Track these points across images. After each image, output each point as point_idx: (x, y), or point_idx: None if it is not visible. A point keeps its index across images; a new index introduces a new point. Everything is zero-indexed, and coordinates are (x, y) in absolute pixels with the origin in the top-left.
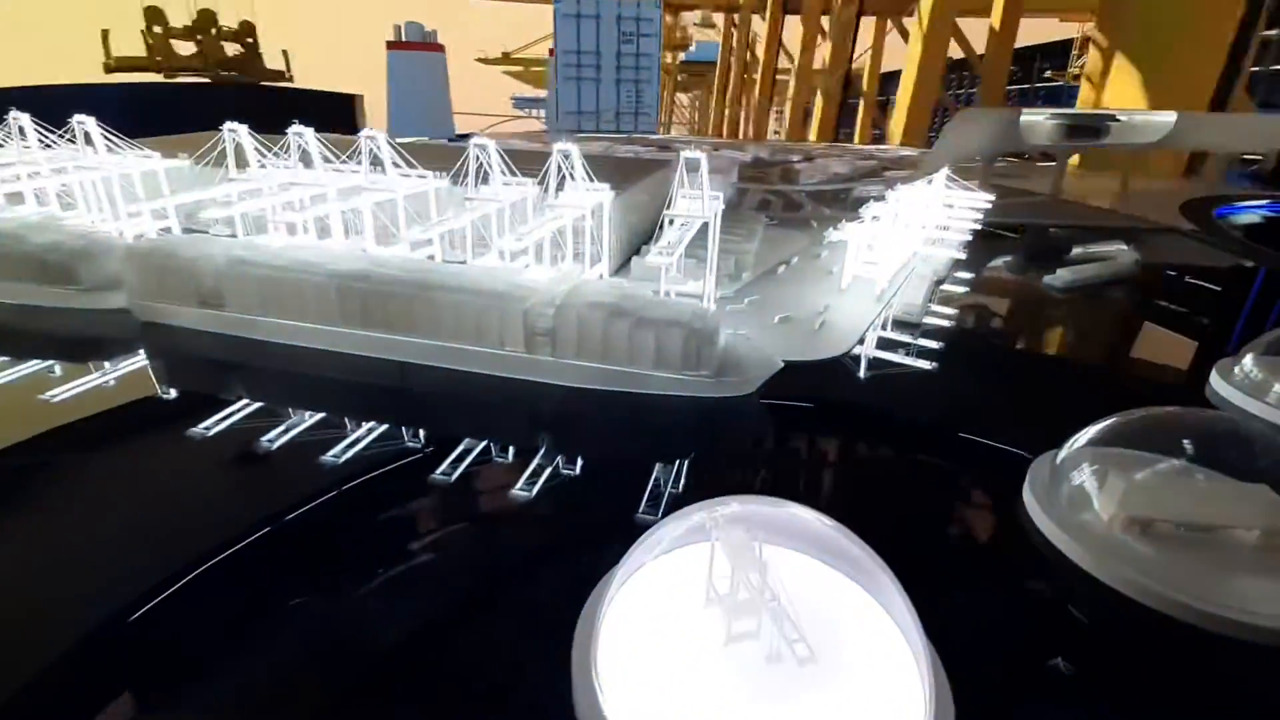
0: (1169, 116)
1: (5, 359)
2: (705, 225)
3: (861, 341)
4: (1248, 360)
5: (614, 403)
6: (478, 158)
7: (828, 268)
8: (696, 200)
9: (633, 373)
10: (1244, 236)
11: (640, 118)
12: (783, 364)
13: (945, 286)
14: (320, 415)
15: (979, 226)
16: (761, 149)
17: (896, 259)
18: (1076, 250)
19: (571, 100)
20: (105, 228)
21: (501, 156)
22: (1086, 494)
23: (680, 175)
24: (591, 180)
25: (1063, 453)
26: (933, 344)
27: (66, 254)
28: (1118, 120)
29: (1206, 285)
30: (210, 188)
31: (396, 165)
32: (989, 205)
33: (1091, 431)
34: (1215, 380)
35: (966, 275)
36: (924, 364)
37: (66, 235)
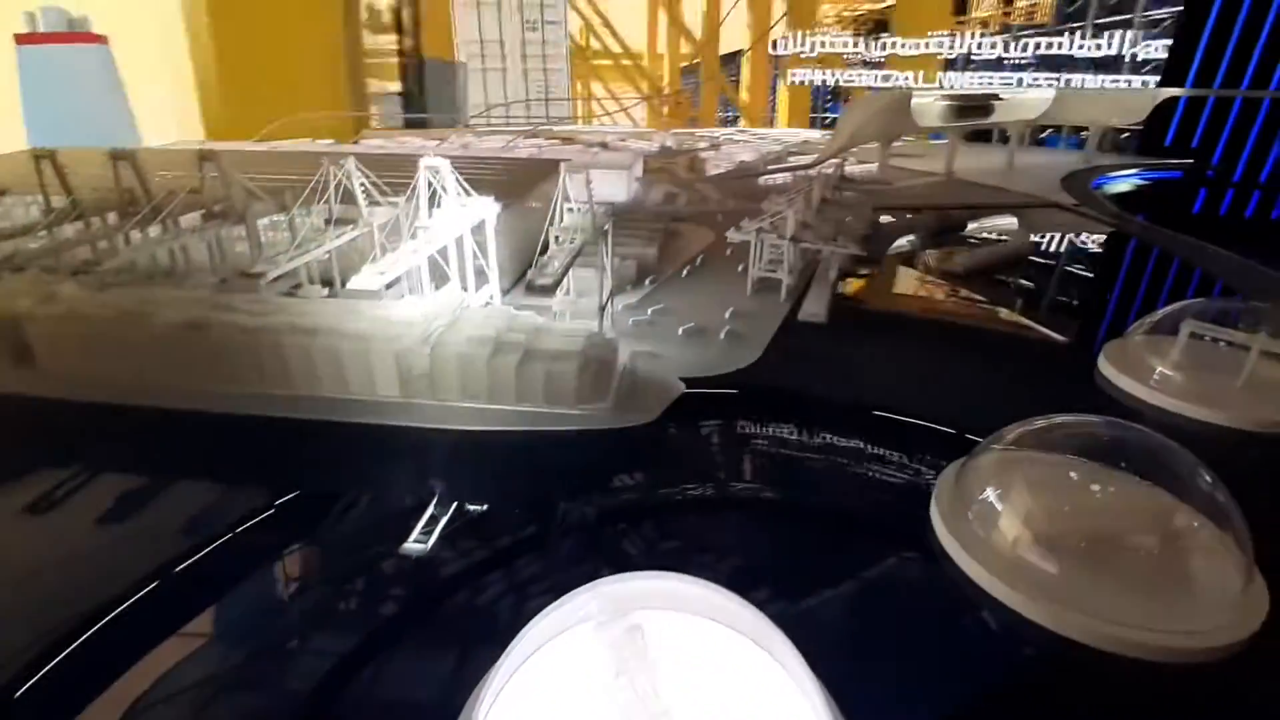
0: (1048, 93)
1: None
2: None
3: (766, 349)
4: (1131, 343)
5: (506, 443)
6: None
7: (735, 265)
8: (584, 214)
9: (524, 411)
10: (1119, 207)
11: (551, 105)
12: (685, 388)
13: (848, 280)
14: (176, 480)
15: (879, 215)
16: (669, 137)
17: (797, 259)
18: (971, 227)
19: (478, 92)
20: None
21: (457, 178)
22: (989, 512)
23: (563, 187)
24: (469, 195)
25: (965, 466)
26: (839, 345)
27: None
28: (1000, 99)
29: (1090, 262)
30: None
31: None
32: (887, 187)
33: (994, 441)
34: (1103, 364)
35: (867, 269)
36: (830, 369)
37: None
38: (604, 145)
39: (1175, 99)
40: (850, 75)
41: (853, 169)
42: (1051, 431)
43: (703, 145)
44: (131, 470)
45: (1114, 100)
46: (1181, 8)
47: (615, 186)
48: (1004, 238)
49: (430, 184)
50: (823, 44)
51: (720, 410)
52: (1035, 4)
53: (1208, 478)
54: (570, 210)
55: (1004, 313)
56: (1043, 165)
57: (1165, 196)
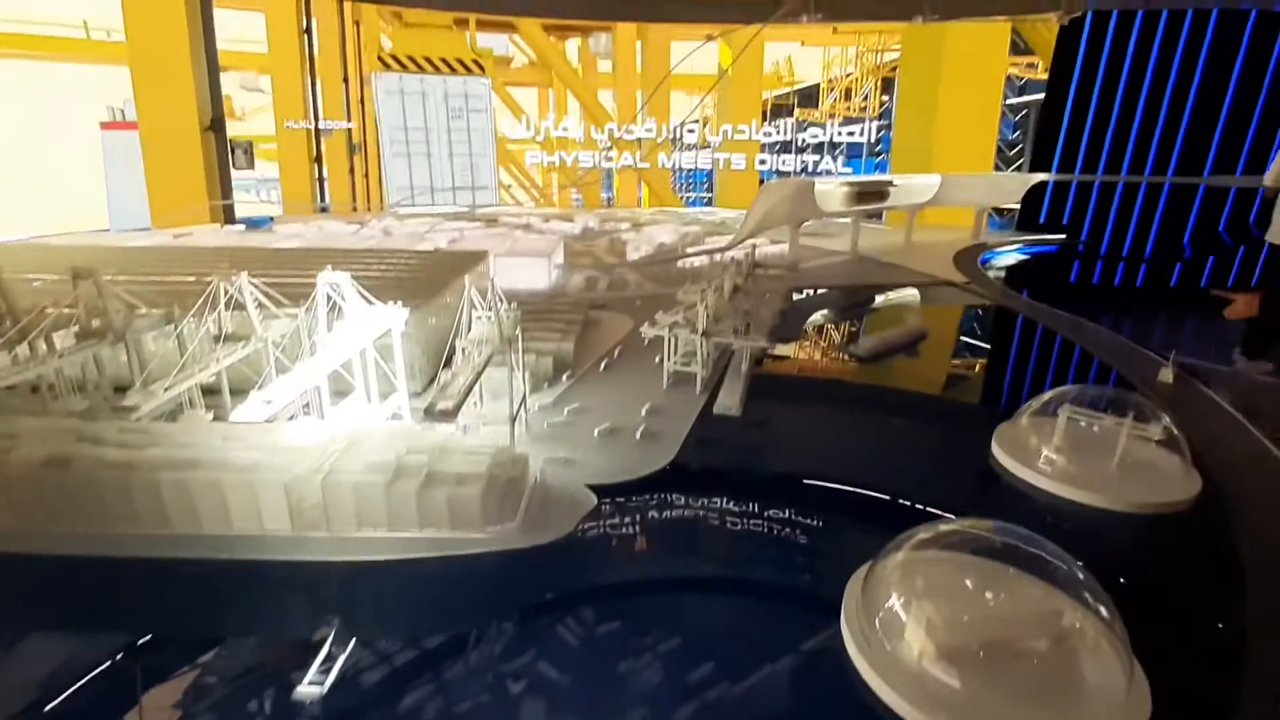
0: (934, 179)
1: None
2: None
3: (681, 448)
4: (1019, 426)
5: (407, 572)
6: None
7: (652, 357)
8: (491, 323)
9: (425, 539)
10: (1005, 282)
11: (478, 192)
12: (595, 500)
13: (758, 370)
14: (30, 632)
15: (784, 302)
16: (592, 218)
17: (711, 350)
18: (879, 300)
19: (403, 176)
20: None
21: (359, 290)
22: (893, 622)
23: (468, 297)
24: (371, 304)
25: (869, 573)
26: (752, 437)
27: None
28: (894, 185)
29: (982, 339)
30: None
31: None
32: (797, 268)
33: (895, 547)
34: (996, 448)
35: (780, 354)
36: (743, 466)
37: None
38: (527, 227)
39: (1044, 182)
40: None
41: (766, 249)
42: (948, 536)
43: (624, 226)
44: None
45: (992, 184)
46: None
47: (536, 275)
48: (902, 318)
49: (330, 298)
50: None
51: (631, 520)
52: (866, 102)
53: (1088, 576)
54: (478, 319)
55: (905, 397)
56: (937, 243)
57: (1044, 269)
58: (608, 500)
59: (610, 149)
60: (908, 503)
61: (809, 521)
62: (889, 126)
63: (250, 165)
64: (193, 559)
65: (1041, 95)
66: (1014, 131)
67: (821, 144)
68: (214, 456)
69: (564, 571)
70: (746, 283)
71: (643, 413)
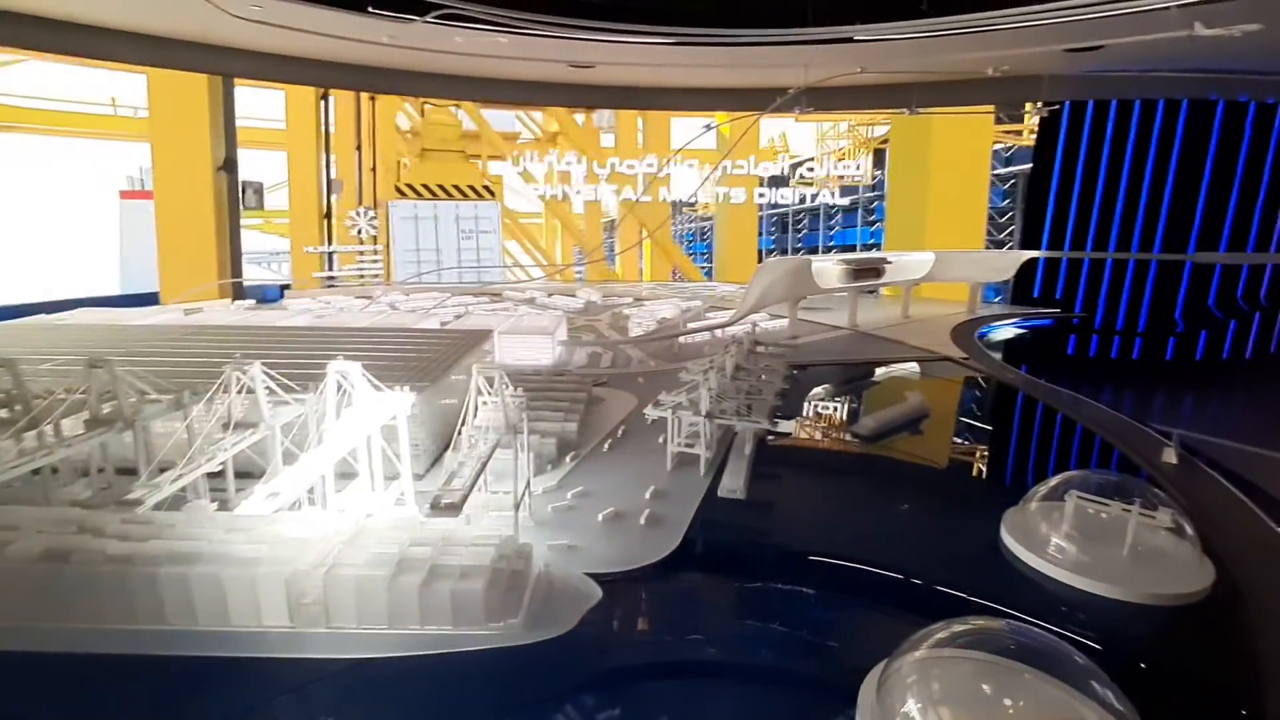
0: (928, 256)
1: None
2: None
3: (686, 534)
4: (1028, 512)
5: (407, 669)
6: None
7: (656, 437)
8: (498, 411)
9: (426, 635)
10: (1003, 356)
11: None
12: (600, 594)
13: (762, 449)
14: None
15: (785, 380)
16: (595, 292)
17: (714, 431)
18: (880, 373)
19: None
20: None
21: (368, 378)
22: None
23: (475, 385)
24: (379, 390)
25: (882, 678)
26: (758, 521)
27: None
28: (889, 262)
29: (983, 417)
30: None
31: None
32: (797, 343)
33: (909, 648)
34: (1004, 534)
35: (782, 433)
36: (749, 552)
37: None
38: (531, 301)
39: (1035, 259)
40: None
41: (766, 324)
42: (964, 634)
43: (626, 301)
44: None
45: (984, 261)
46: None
47: (539, 351)
48: (902, 397)
49: (340, 385)
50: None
51: (636, 611)
52: (861, 170)
53: (1107, 680)
54: (485, 404)
55: (910, 478)
56: (934, 317)
57: (1041, 343)
58: (612, 591)
59: (611, 233)
60: (918, 592)
61: (818, 611)
62: (882, 197)
63: (260, 205)
64: (188, 656)
65: (1029, 166)
66: (1004, 199)
67: (817, 210)
68: (215, 550)
69: (568, 668)
70: (747, 360)
71: (647, 496)
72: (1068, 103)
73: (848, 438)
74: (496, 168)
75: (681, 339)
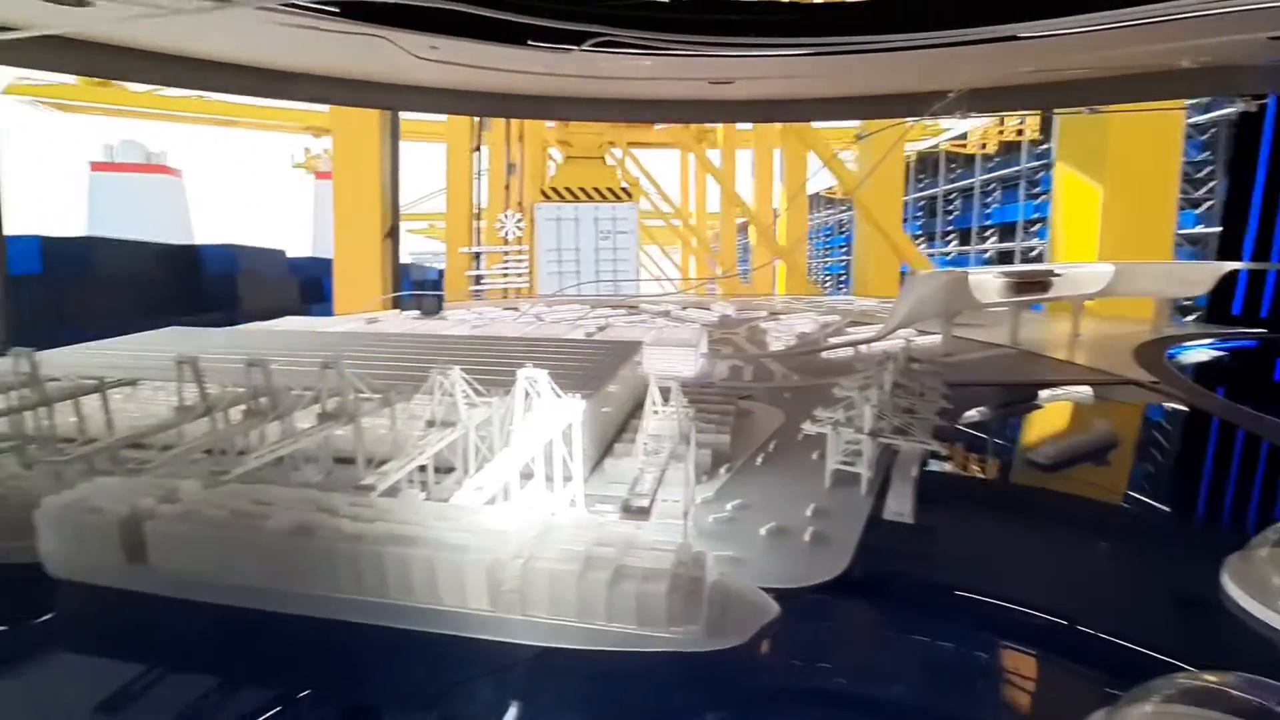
0: (1106, 268)
1: None
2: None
3: (854, 555)
4: (1257, 559)
5: (590, 662)
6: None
7: (809, 453)
8: (671, 420)
9: (611, 631)
10: (1198, 381)
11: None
12: (778, 609)
13: (925, 471)
14: (255, 687)
15: (945, 399)
16: (729, 305)
17: (875, 451)
18: (1044, 395)
19: (554, 286)
20: None
21: (551, 385)
22: None
23: (652, 394)
24: (560, 397)
25: None
26: (932, 548)
27: None
28: (1058, 275)
29: (1181, 449)
30: None
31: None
32: (953, 361)
33: (1131, 700)
34: (1228, 583)
35: (946, 455)
36: (925, 579)
37: None
38: (666, 314)
39: (1236, 271)
40: None
41: (916, 341)
42: (1192, 691)
43: (761, 314)
44: (220, 673)
45: (1173, 273)
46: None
47: (684, 363)
48: (1089, 423)
49: (526, 392)
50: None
51: (810, 630)
52: (1024, 125)
53: None
54: (655, 414)
55: (1100, 512)
56: (1110, 336)
57: (1245, 367)
58: (786, 606)
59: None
60: (1125, 643)
61: (1006, 654)
62: (1048, 166)
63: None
64: (399, 629)
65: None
66: (1202, 152)
67: (970, 190)
68: (429, 535)
69: (746, 678)
70: (904, 377)
71: (808, 513)
72: (1274, 96)
73: (1022, 464)
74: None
75: (823, 354)
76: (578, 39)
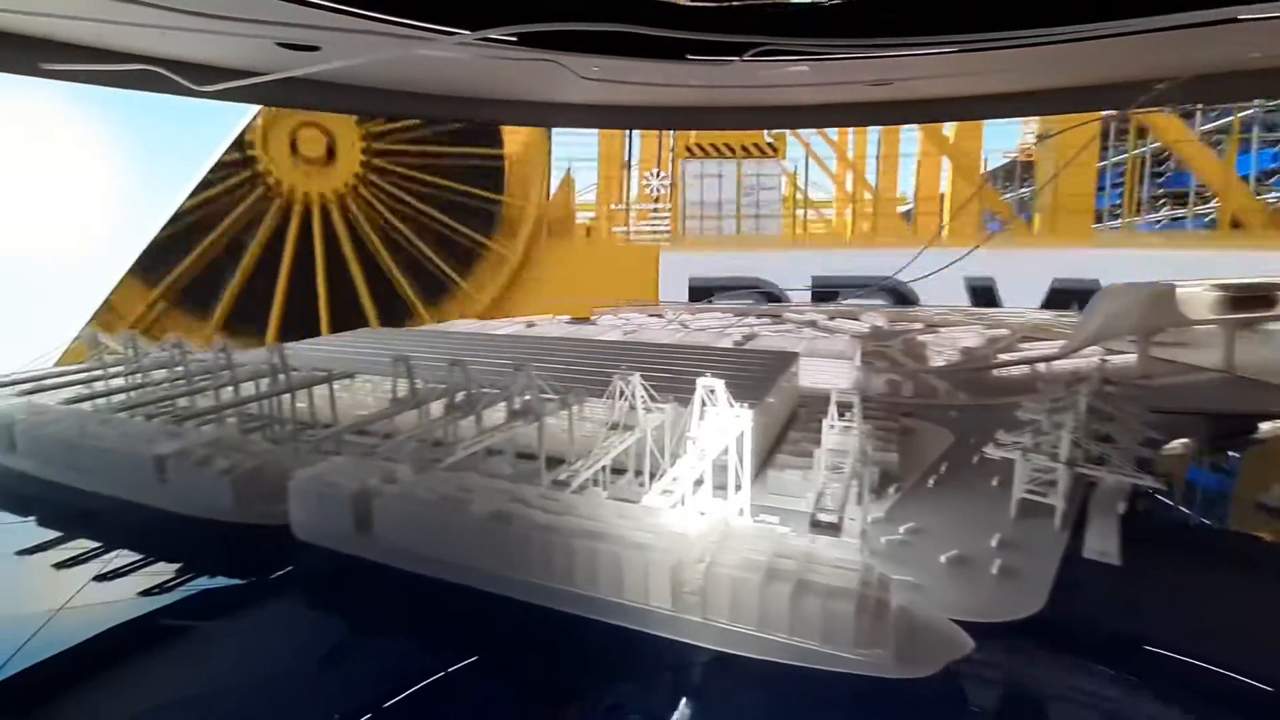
0: None
1: None
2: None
3: (1053, 593)
4: None
5: (767, 675)
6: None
7: (987, 478)
8: (849, 435)
9: (794, 645)
10: None
11: (762, 220)
12: (972, 644)
13: (1130, 508)
14: (460, 656)
15: (1149, 427)
16: (879, 317)
17: (1070, 482)
18: (1265, 428)
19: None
20: None
21: (728, 397)
22: None
23: (833, 410)
24: (733, 406)
25: None
26: (1147, 594)
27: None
28: None
29: None
30: None
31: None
32: (1154, 385)
33: None
34: None
35: (1151, 490)
36: (1144, 628)
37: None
38: (812, 324)
39: None
40: None
41: (1097, 358)
42: None
43: (916, 326)
44: (420, 635)
45: None
46: None
47: (838, 376)
48: None
49: (704, 401)
50: None
51: (1007, 669)
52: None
53: None
54: (832, 428)
55: None
56: None
57: None
58: (979, 640)
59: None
60: None
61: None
62: None
63: None
64: (584, 617)
65: None
66: None
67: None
68: (614, 531)
69: (933, 714)
70: (1099, 401)
71: (993, 544)
72: None
73: (1244, 507)
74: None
75: (995, 371)
76: (738, 50)
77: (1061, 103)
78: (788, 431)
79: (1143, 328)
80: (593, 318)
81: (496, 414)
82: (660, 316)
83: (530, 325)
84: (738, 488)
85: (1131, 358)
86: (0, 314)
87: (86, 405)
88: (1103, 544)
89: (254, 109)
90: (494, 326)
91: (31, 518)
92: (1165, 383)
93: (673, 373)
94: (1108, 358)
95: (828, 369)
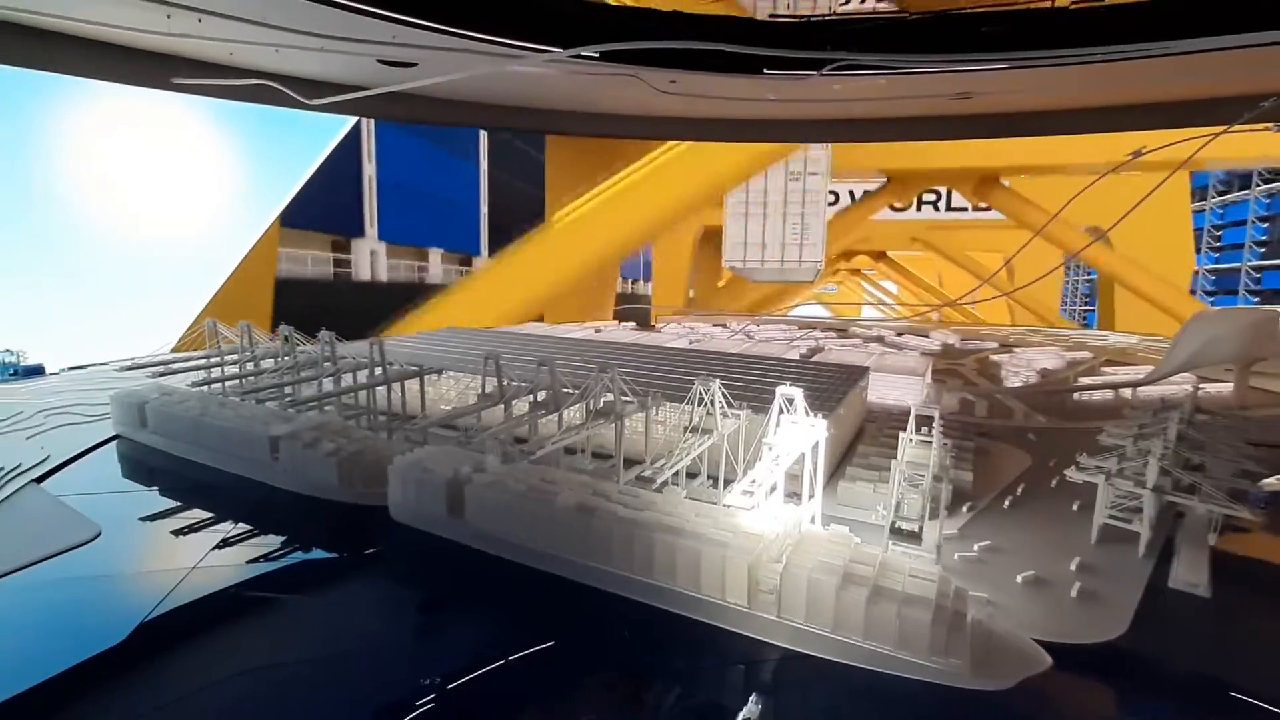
0: None
1: None
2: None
3: (1135, 620)
4: None
5: (839, 676)
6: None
7: (1067, 502)
8: (926, 449)
9: (871, 650)
10: None
11: (806, 248)
12: (1048, 658)
13: (1222, 541)
14: (542, 639)
15: (1245, 459)
16: (950, 334)
17: (1157, 509)
18: None
19: (739, 234)
20: None
21: (805, 408)
22: None
23: (912, 423)
24: (809, 416)
25: None
26: (1240, 630)
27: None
28: None
29: None
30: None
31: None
32: (1249, 416)
33: None
34: None
35: (1251, 521)
36: (1236, 662)
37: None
38: (879, 340)
39: None
40: None
41: (1185, 387)
42: None
43: (990, 345)
44: (508, 616)
45: None
46: None
47: (909, 392)
48: None
49: (781, 409)
50: None
51: (1085, 693)
52: None
53: None
54: (910, 442)
55: None
56: None
57: None
58: (1057, 659)
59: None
60: None
61: None
62: None
63: None
64: (663, 610)
65: None
66: None
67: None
68: (693, 529)
69: None
70: (1191, 429)
71: (1072, 567)
72: None
73: None
74: None
75: (1076, 395)
76: (816, 65)
77: (1157, 117)
78: (856, 444)
79: (1242, 355)
80: (657, 325)
81: (574, 413)
82: (724, 326)
83: (598, 331)
84: (811, 495)
85: (1227, 387)
86: (129, 301)
87: (207, 389)
88: (1192, 575)
89: (350, 120)
90: (564, 330)
91: (155, 487)
92: (1267, 414)
93: (743, 381)
94: (1202, 386)
95: (896, 385)
